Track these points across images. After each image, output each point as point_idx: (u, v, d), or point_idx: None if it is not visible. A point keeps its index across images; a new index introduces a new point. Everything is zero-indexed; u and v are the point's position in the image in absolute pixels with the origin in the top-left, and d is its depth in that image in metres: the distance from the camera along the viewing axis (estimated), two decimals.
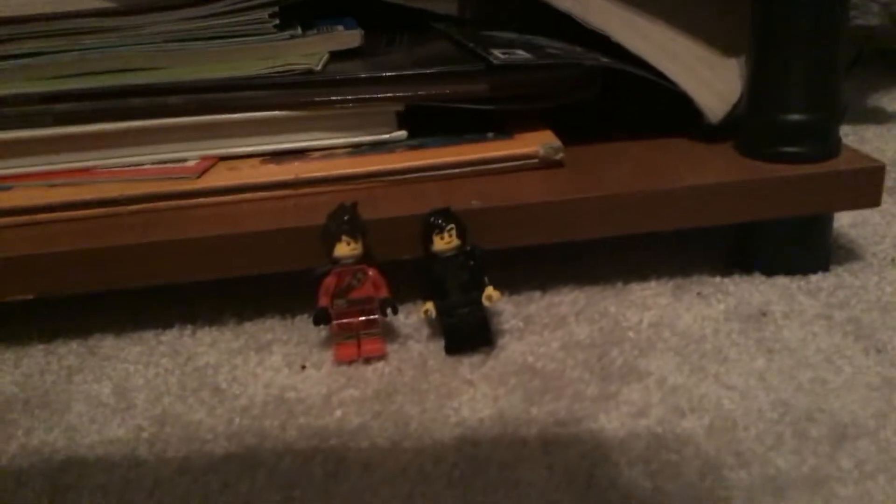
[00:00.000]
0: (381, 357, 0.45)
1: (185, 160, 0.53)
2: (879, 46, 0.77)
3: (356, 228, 0.44)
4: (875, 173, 0.48)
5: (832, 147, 0.49)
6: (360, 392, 0.42)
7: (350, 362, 0.44)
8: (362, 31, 0.58)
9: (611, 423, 0.38)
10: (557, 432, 0.38)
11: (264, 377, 0.44)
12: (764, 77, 0.48)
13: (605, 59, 0.51)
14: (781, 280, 0.49)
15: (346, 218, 0.44)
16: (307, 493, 0.35)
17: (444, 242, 0.44)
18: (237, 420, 0.40)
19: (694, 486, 0.33)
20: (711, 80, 0.52)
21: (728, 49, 0.53)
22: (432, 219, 0.44)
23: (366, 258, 0.45)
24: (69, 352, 0.48)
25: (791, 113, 0.48)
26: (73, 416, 0.42)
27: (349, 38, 0.58)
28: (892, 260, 0.51)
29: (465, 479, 0.35)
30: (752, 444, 0.36)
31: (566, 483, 0.34)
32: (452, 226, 0.44)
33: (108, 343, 0.48)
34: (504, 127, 0.55)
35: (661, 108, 0.56)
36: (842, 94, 0.48)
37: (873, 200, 0.48)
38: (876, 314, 0.45)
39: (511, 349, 0.45)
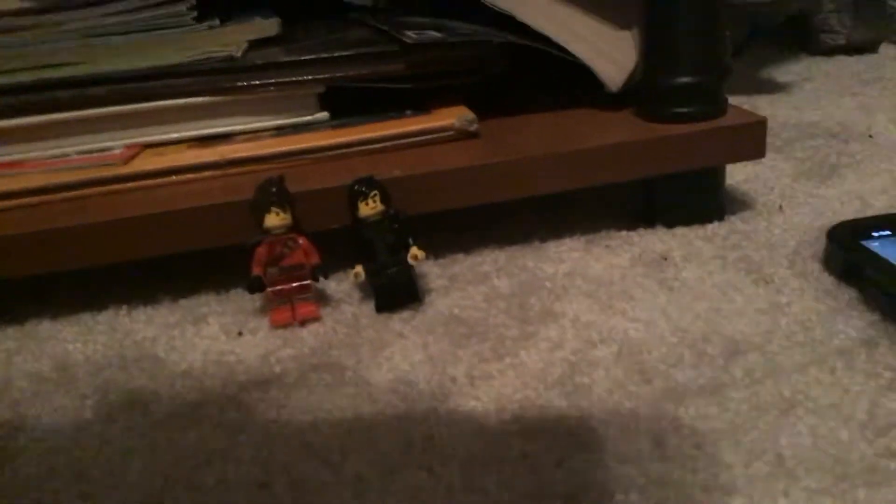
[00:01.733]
0: (316, 319, 0.47)
1: (110, 149, 0.55)
2: (767, 23, 0.83)
3: (284, 199, 0.47)
4: (757, 127, 0.53)
5: (719, 107, 0.54)
6: (296, 350, 0.44)
7: (286, 326, 0.47)
8: (279, 20, 0.61)
9: (531, 357, 0.41)
10: (483, 368, 0.41)
11: (202, 345, 0.46)
12: (655, 45, 0.53)
13: (511, 37, 0.55)
14: (681, 230, 0.54)
15: (273, 190, 0.46)
16: (252, 437, 0.37)
17: (369, 208, 0.47)
18: (178, 382, 0.42)
19: (603, 401, 0.37)
20: (609, 51, 0.56)
21: (623, 21, 0.57)
22: (356, 186, 0.47)
23: (296, 228, 0.47)
24: (6, 337, 0.49)
25: (680, 76, 0.52)
26: (15, 392, 0.43)
27: (267, 26, 0.60)
28: (779, 207, 0.56)
29: (399, 415, 0.38)
30: (655, 364, 0.40)
31: (494, 409, 0.38)
32: (376, 192, 0.47)
33: (44, 326, 0.49)
34: (422, 105, 0.58)
35: (567, 80, 0.60)
36: (725, 57, 0.53)
37: (757, 152, 0.53)
38: (765, 252, 0.50)
39: (438, 304, 0.48)
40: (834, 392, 0.37)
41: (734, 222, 0.54)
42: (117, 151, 0.54)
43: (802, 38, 1.01)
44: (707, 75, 0.52)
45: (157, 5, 0.57)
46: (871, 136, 0.69)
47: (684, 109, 0.53)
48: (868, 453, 0.33)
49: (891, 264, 0.43)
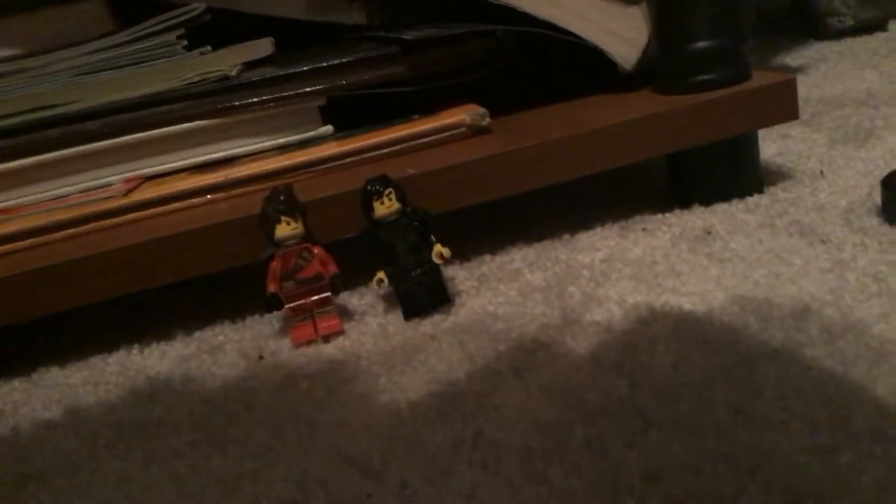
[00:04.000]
0: (340, 333, 0.44)
1: (109, 184, 0.52)
2: (771, 14, 0.81)
3: (294, 208, 0.43)
4: (787, 86, 0.49)
5: (742, 70, 0.50)
6: (323, 366, 0.41)
7: (308, 343, 0.43)
8: (273, 40, 0.58)
9: (578, 343, 0.37)
10: (528, 359, 0.37)
11: (221, 373, 0.42)
12: (668, 12, 0.50)
13: (513, 27, 0.52)
14: (720, 206, 0.50)
15: (282, 198, 0.43)
16: (282, 456, 0.33)
17: (385, 207, 0.43)
18: (198, 411, 0.38)
19: (668, 376, 0.33)
20: (619, 30, 0.53)
21: None
22: (369, 186, 0.44)
23: (309, 237, 0.44)
24: (12, 389, 0.45)
25: (698, 41, 0.49)
26: (22, 440, 0.39)
27: (260, 47, 0.57)
28: (821, 173, 0.53)
29: (443, 415, 0.34)
30: (719, 334, 0.36)
31: (547, 398, 0.34)
32: (391, 189, 0.44)
33: (52, 374, 0.46)
34: (429, 110, 0.55)
35: (582, 68, 0.57)
36: (745, 19, 0.50)
37: (791, 113, 0.50)
38: (815, 214, 0.46)
39: (470, 304, 0.44)
40: None
41: (775, 193, 0.51)
42: (117, 186, 0.52)
43: (808, 25, 0.99)
44: (727, 38, 0.49)
45: (145, 37, 0.55)
46: None
47: (706, 76, 0.50)
48: None
49: None
